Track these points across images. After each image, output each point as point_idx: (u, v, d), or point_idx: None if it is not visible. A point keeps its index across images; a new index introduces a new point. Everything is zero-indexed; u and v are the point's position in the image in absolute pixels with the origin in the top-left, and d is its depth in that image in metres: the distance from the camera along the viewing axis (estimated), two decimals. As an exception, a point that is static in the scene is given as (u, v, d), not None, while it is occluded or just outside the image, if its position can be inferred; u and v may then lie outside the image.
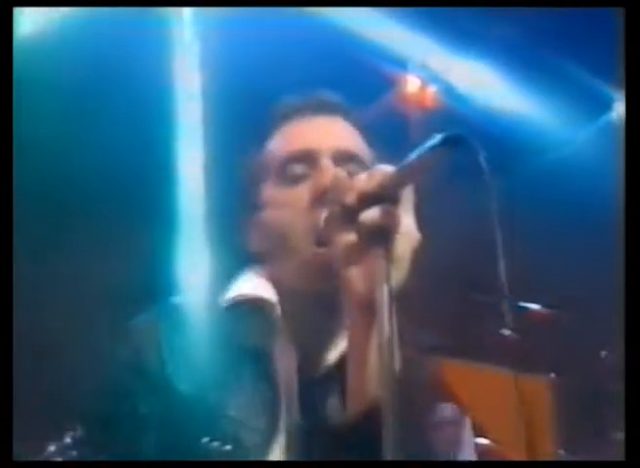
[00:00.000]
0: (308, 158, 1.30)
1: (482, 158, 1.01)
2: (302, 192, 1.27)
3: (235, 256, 1.41)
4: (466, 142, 1.01)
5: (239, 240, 1.37)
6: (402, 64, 3.67)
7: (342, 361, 1.22)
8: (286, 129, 1.36)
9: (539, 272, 3.67)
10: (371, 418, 1.06)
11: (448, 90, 3.73)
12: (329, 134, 1.34)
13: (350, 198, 1.12)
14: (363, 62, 3.45)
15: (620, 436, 3.43)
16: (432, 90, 3.65)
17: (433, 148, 1.02)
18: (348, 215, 1.12)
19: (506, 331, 3.63)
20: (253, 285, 1.33)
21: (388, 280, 1.07)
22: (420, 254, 1.14)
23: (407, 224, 1.13)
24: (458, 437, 2.90)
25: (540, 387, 3.67)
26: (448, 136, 1.01)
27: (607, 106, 3.85)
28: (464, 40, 3.69)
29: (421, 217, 1.16)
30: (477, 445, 3.07)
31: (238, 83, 3.29)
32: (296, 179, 1.29)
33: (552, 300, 3.58)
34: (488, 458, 3.28)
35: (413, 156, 1.05)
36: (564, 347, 3.75)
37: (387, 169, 1.11)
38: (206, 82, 3.50)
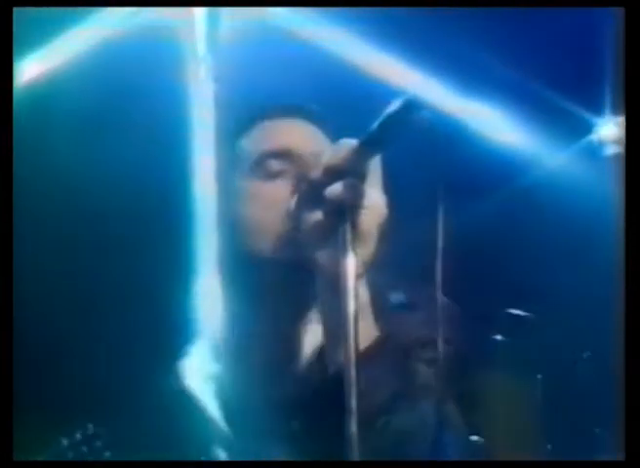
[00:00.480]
0: (288, 156, 1.32)
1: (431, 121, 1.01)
2: (284, 186, 1.29)
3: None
4: (421, 102, 1.00)
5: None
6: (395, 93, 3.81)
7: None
8: (261, 127, 1.38)
9: (527, 282, 3.90)
10: (334, 384, 1.07)
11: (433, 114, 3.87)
12: (304, 136, 1.36)
13: (316, 173, 1.11)
14: (358, 88, 3.59)
15: (601, 430, 3.67)
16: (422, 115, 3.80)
17: (392, 114, 1.01)
18: (315, 191, 1.11)
19: (498, 336, 3.87)
20: None
21: (355, 254, 1.07)
22: (387, 230, 1.12)
23: (374, 198, 1.11)
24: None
25: (528, 386, 3.89)
26: (406, 98, 1.00)
27: (588, 130, 4.06)
28: (448, 69, 3.84)
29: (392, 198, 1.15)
30: (470, 441, 3.29)
31: (248, 99, 3.38)
32: (275, 175, 1.32)
33: (539, 308, 3.82)
34: (480, 454, 3.47)
35: (374, 125, 1.04)
36: (549, 350, 3.96)
37: (352, 142, 1.09)
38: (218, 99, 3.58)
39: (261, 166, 1.33)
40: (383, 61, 3.81)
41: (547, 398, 3.82)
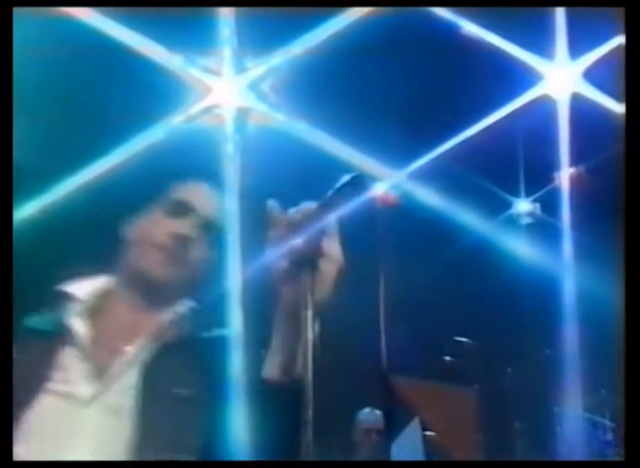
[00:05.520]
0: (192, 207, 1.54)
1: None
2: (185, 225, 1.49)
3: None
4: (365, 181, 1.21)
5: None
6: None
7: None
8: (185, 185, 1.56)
9: (469, 319, 5.26)
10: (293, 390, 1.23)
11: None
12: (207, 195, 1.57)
13: (281, 230, 1.28)
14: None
15: (520, 424, 5.02)
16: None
17: (342, 186, 1.23)
18: (282, 244, 1.28)
19: (447, 357, 5.58)
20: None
21: (312, 295, 1.24)
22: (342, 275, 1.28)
23: (332, 249, 1.28)
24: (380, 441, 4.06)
25: (467, 394, 5.32)
26: (353, 176, 1.22)
27: (508, 206, 4.99)
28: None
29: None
30: (425, 436, 4.71)
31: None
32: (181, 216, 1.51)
33: (475, 335, 5.16)
34: (435, 446, 4.82)
35: (329, 193, 1.25)
36: (484, 367, 5.35)
37: (311, 204, 1.28)
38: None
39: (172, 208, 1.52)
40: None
41: (481, 402, 5.24)
